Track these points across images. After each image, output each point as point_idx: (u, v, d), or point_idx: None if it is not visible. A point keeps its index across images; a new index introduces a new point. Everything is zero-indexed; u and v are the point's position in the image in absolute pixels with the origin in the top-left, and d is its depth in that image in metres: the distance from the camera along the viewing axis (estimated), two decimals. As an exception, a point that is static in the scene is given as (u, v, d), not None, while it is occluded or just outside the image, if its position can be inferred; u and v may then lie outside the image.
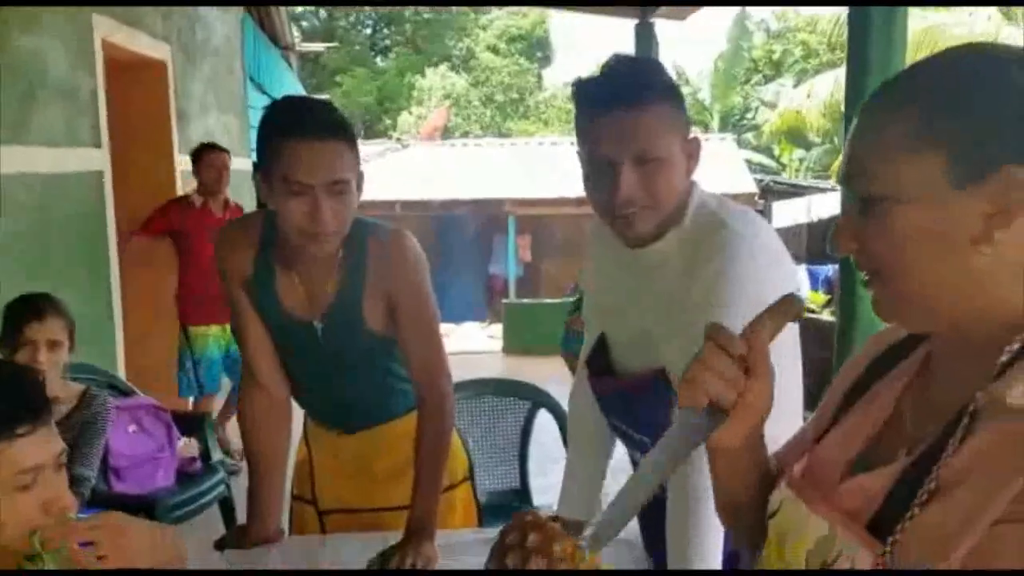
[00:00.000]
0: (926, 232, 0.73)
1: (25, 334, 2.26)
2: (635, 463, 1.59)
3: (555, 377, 4.02)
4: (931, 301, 0.75)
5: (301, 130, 1.49)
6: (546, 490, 2.69)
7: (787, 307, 0.85)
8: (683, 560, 1.26)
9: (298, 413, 1.90)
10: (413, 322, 1.69)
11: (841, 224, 0.80)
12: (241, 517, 1.92)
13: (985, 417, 0.71)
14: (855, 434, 0.85)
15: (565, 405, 1.79)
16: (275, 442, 1.82)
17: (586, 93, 1.33)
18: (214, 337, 4.42)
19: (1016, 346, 0.71)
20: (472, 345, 8.72)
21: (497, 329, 9.30)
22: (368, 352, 1.73)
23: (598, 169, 1.31)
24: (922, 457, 0.74)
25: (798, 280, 1.37)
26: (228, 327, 4.14)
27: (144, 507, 2.66)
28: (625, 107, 1.26)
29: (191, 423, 3.33)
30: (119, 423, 2.92)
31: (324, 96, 13.87)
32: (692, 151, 1.35)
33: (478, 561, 1.65)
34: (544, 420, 2.88)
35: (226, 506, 3.23)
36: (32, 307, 2.29)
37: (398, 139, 15.66)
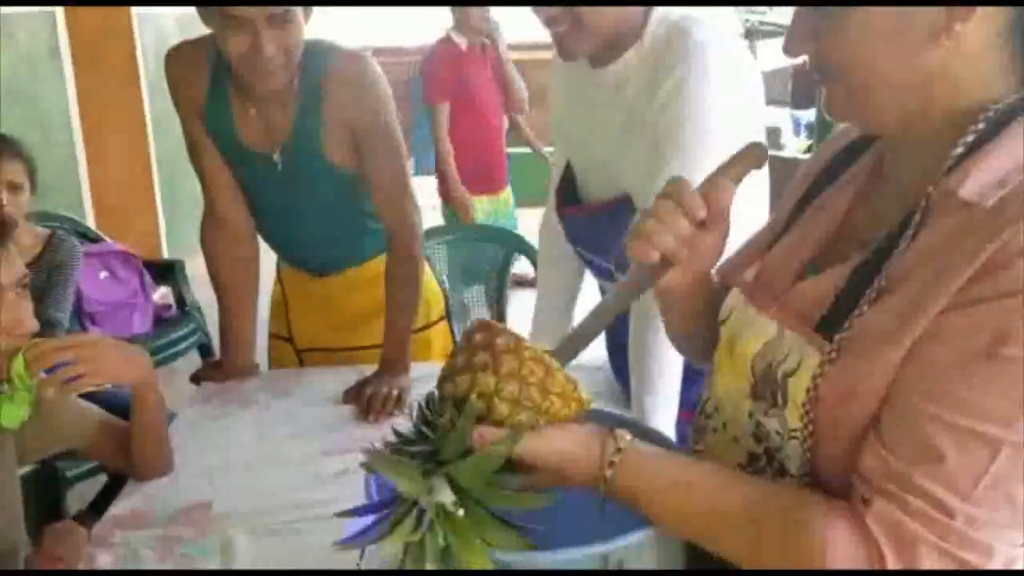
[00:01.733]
0: (885, 26, 0.69)
1: (-18, 176, 2.19)
2: (602, 291, 1.59)
3: (532, 227, 3.96)
4: (886, 97, 0.72)
5: None
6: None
7: (750, 156, 0.82)
8: (647, 379, 1.28)
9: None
10: (377, 150, 1.63)
11: (796, 23, 0.75)
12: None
13: (937, 212, 0.70)
14: (807, 239, 0.84)
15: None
16: (241, 277, 1.80)
17: None
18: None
19: (970, 138, 0.69)
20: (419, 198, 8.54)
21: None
22: (331, 187, 1.68)
23: None
24: (873, 256, 0.73)
25: (760, 93, 1.30)
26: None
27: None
28: None
29: (165, 270, 3.30)
30: (90, 269, 2.89)
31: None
32: None
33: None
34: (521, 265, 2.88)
35: (205, 350, 3.25)
36: (-13, 147, 2.20)
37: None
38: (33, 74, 3.55)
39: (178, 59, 1.64)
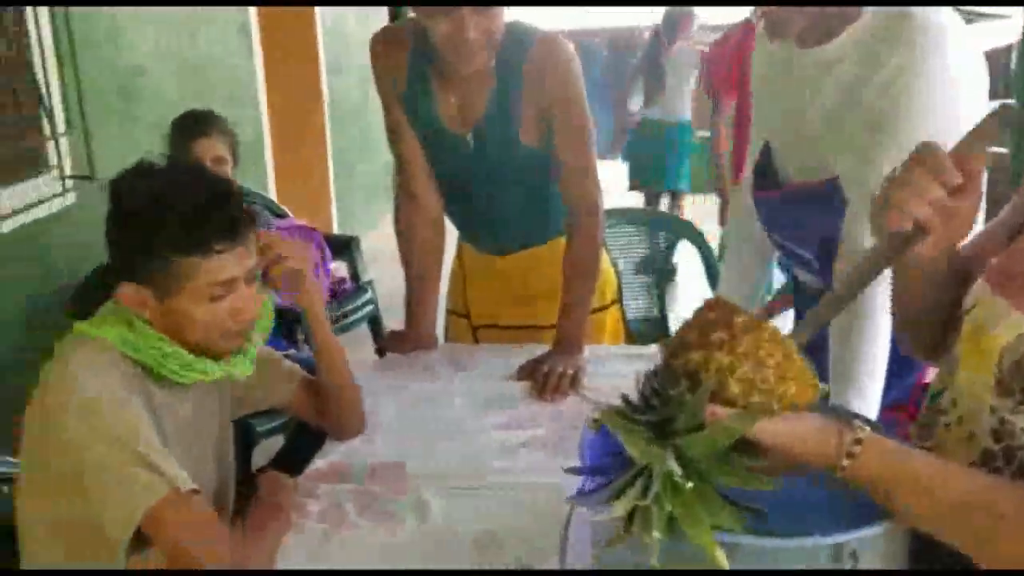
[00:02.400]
0: None
1: (192, 150, 2.38)
2: (797, 281, 1.55)
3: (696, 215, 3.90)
4: None
5: None
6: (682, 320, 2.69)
7: (996, 122, 0.79)
8: (851, 376, 1.24)
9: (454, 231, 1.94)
10: (566, 129, 1.66)
11: None
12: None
13: None
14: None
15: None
16: (430, 254, 1.88)
17: None
18: None
19: None
20: (603, 182, 8.55)
21: (624, 166, 9.08)
22: (521, 168, 1.72)
23: None
24: None
25: (984, 76, 1.22)
26: None
27: (300, 320, 2.82)
28: None
29: (341, 245, 3.47)
30: (275, 241, 3.07)
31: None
32: None
33: (627, 370, 1.70)
34: (685, 251, 2.85)
35: (375, 324, 3.40)
36: (198, 123, 2.39)
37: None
38: (226, 50, 3.81)
39: (383, 42, 1.72)
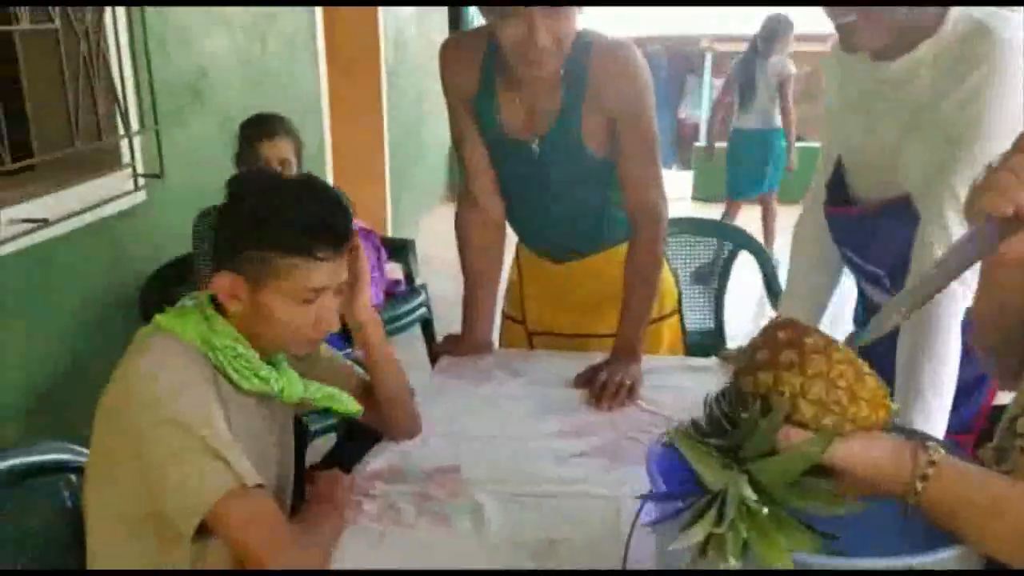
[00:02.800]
0: None
1: (258, 151, 2.43)
2: (865, 296, 1.52)
3: (747, 226, 3.84)
4: None
5: None
6: (739, 335, 2.66)
7: None
8: (918, 395, 1.21)
9: (512, 237, 1.95)
10: (633, 137, 1.65)
11: None
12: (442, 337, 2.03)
13: None
14: None
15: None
16: (488, 258, 1.89)
17: None
18: None
19: None
20: (677, 192, 8.48)
21: (686, 176, 9.01)
22: (584, 174, 1.71)
23: None
24: None
25: None
26: None
27: (354, 322, 2.86)
28: None
29: (397, 248, 3.51)
30: (335, 242, 3.12)
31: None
32: None
33: (685, 382, 1.69)
34: (744, 261, 2.81)
35: (427, 326, 3.43)
36: (265, 126, 2.44)
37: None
38: (292, 54, 3.88)
39: (454, 49, 1.73)
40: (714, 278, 2.82)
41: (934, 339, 1.19)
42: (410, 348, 3.45)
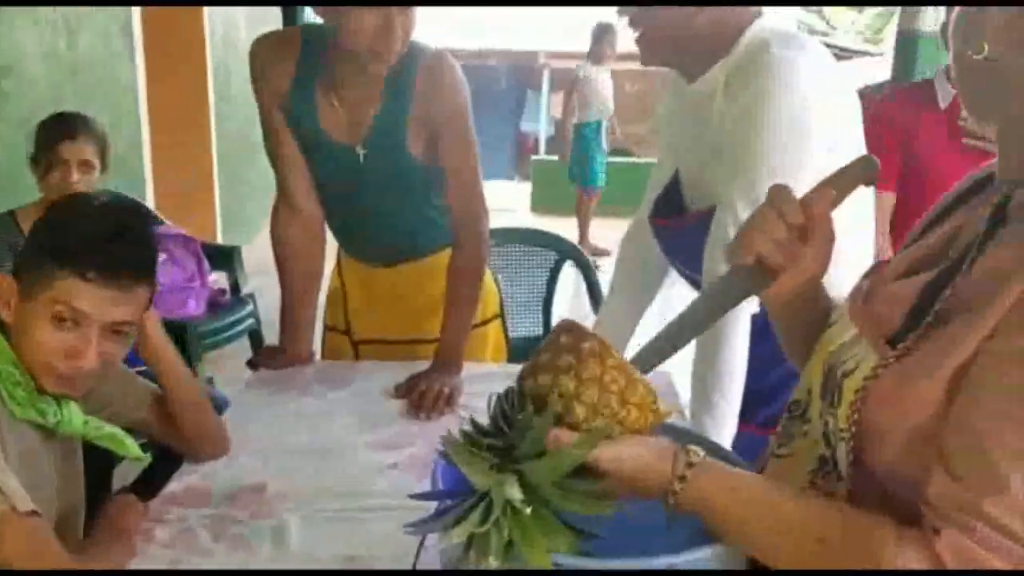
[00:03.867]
0: None
1: (58, 153, 2.25)
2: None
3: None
4: None
5: None
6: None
7: (857, 171, 0.84)
8: (705, 398, 1.28)
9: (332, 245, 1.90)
10: (455, 148, 1.66)
11: None
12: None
13: (1013, 223, 0.70)
14: (917, 250, 0.84)
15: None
16: (308, 266, 1.83)
17: None
18: None
19: None
20: (500, 203, 8.64)
21: (526, 187, 9.22)
22: (410, 179, 1.70)
23: None
24: (946, 270, 0.74)
25: (852, 110, 1.30)
26: None
27: (175, 332, 2.70)
28: None
29: (222, 256, 3.37)
30: (150, 250, 2.95)
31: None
32: None
33: (504, 387, 1.70)
34: (569, 272, 2.89)
35: (256, 338, 3.31)
36: (66, 126, 2.27)
37: (432, -16, 15.08)
38: (107, 51, 3.65)
39: (266, 48, 1.68)
40: (542, 286, 2.88)
41: (718, 351, 1.27)
42: (235, 361, 3.31)
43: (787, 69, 1.20)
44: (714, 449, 0.83)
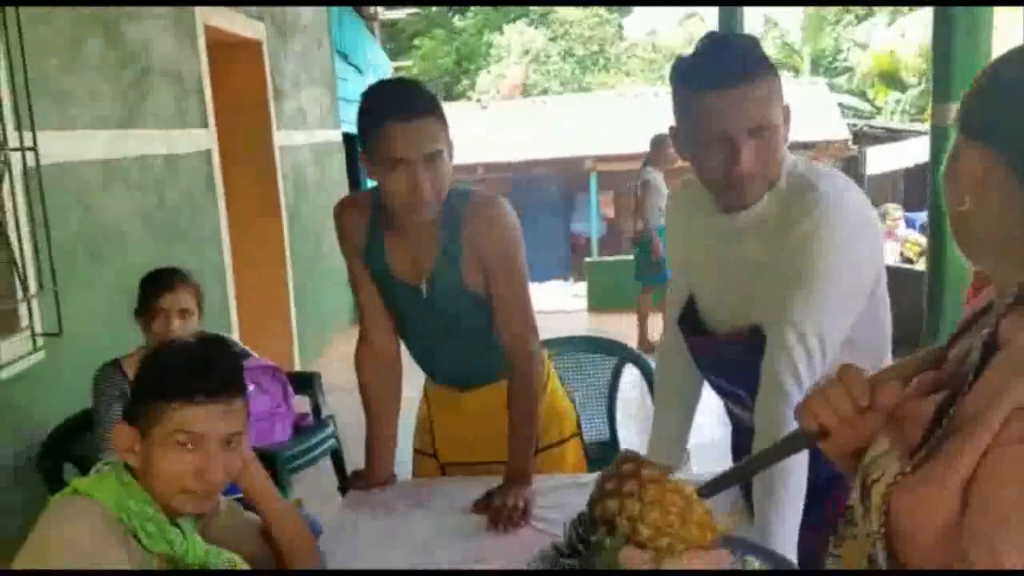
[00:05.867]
0: None
1: (159, 304, 2.51)
2: (730, 412, 1.70)
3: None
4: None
5: (397, 112, 1.66)
6: (632, 443, 2.81)
7: (922, 363, 0.94)
8: (773, 502, 1.37)
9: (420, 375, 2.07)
10: (504, 286, 1.84)
11: None
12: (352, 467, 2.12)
13: (1006, 345, 0.80)
14: (940, 371, 0.94)
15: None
16: (387, 395, 2.01)
17: (692, 72, 1.41)
18: None
19: None
20: (557, 304, 8.82)
21: (581, 287, 9.40)
22: (470, 311, 1.88)
23: (710, 143, 1.40)
24: (958, 387, 0.84)
25: (882, 239, 1.48)
26: None
27: (265, 458, 2.89)
28: (737, 83, 1.35)
29: (303, 381, 3.58)
30: (240, 383, 3.18)
31: (404, 63, 14.07)
32: (787, 116, 1.43)
33: (576, 501, 1.81)
34: (630, 375, 3.01)
35: (336, 457, 3.47)
36: (164, 279, 2.54)
37: (477, 100, 15.79)
38: (192, 206, 4.01)
39: (346, 209, 1.93)
40: (604, 391, 3.00)
41: (778, 482, 1.36)
42: (320, 481, 3.48)
43: (835, 209, 1.38)
44: (774, 557, 0.95)
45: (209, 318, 3.68)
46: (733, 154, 1.38)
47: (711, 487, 0.95)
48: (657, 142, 6.34)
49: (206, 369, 1.27)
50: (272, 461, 2.91)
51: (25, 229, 2.62)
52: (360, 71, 8.07)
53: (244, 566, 1.40)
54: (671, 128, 1.50)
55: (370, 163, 1.73)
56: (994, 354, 0.82)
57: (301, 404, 3.54)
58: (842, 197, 1.40)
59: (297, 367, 5.19)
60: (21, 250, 2.59)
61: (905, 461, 0.84)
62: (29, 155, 2.64)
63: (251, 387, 3.21)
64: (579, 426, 2.13)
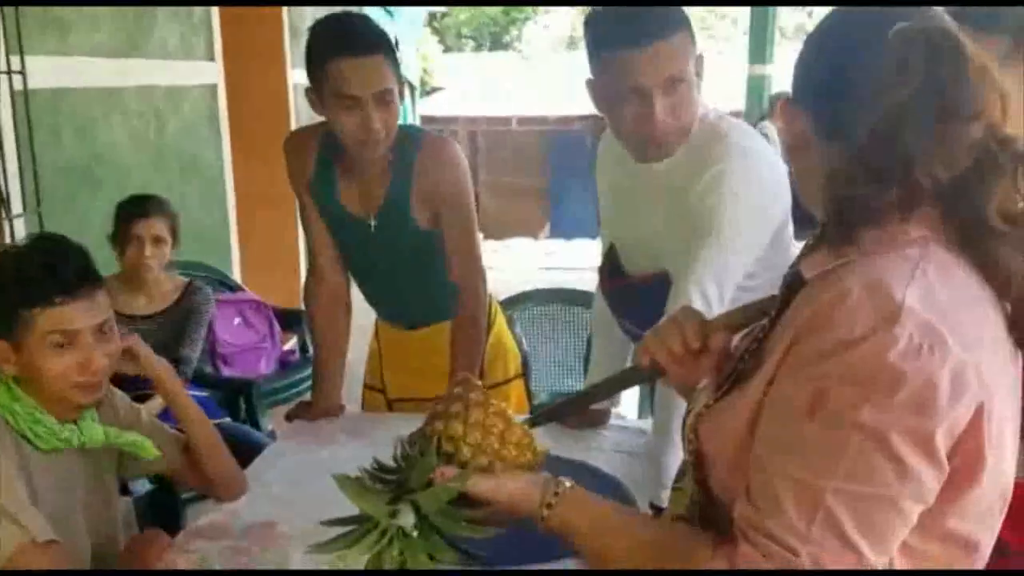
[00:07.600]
0: None
1: (132, 230, 2.56)
2: None
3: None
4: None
5: (346, 48, 1.63)
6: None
7: (753, 313, 0.98)
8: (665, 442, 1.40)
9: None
10: (453, 221, 1.84)
11: None
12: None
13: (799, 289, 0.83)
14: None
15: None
16: (336, 327, 2.03)
17: (606, 28, 1.41)
18: None
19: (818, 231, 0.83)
20: (581, 262, 8.78)
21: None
22: (418, 248, 1.88)
23: (626, 97, 1.40)
24: (763, 326, 0.88)
25: (785, 187, 1.46)
26: None
27: (240, 388, 2.96)
28: (651, 40, 1.35)
29: (292, 319, 3.62)
30: (226, 315, 3.24)
31: (443, 8, 13.92)
32: (700, 69, 1.44)
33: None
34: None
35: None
36: (139, 206, 2.58)
37: (520, 51, 15.64)
38: (195, 140, 4.03)
39: (293, 142, 1.94)
40: (582, 344, 2.99)
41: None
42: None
43: (743, 156, 1.40)
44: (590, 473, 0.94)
45: (209, 254, 3.74)
46: (648, 107, 1.38)
47: (546, 415, 0.97)
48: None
49: (57, 269, 1.28)
50: (248, 391, 2.97)
51: (11, 149, 2.66)
52: (390, 13, 7.98)
53: (148, 444, 1.43)
54: (587, 81, 1.50)
55: (319, 99, 1.71)
56: (798, 292, 0.84)
57: (289, 341, 3.60)
58: (749, 146, 1.42)
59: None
60: (4, 170, 2.63)
61: (712, 393, 0.87)
62: (16, 78, 2.66)
63: (237, 319, 3.30)
64: (525, 368, 2.13)
